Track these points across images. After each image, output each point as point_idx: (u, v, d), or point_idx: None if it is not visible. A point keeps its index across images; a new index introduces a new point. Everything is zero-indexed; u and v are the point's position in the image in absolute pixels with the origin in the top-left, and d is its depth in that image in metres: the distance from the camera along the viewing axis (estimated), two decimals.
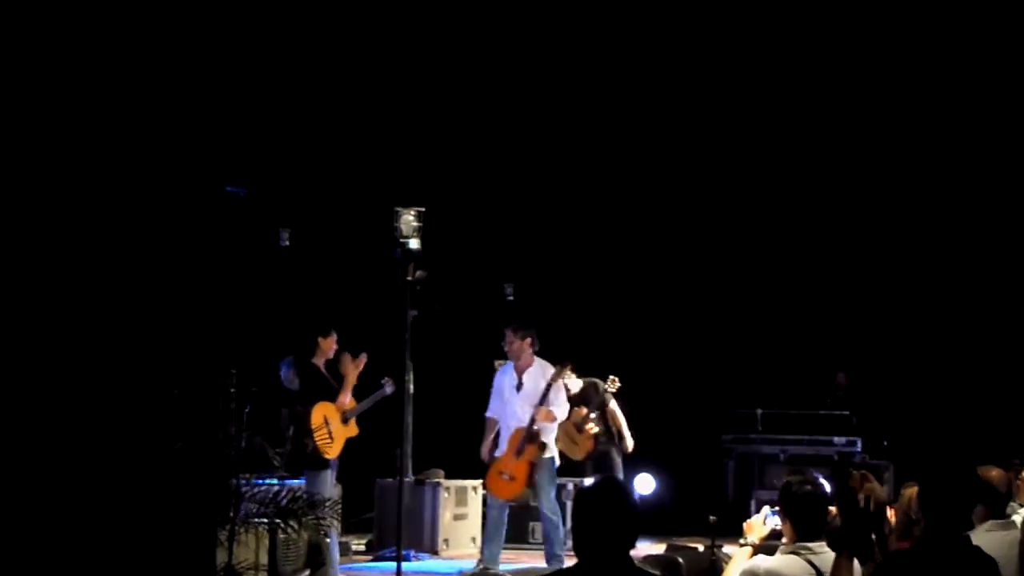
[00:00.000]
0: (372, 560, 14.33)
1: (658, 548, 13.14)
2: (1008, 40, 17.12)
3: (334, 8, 16.93)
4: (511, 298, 16.31)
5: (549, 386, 12.61)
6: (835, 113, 17.86)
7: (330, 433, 12.01)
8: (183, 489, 7.62)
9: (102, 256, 7.75)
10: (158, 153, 8.59)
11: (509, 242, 17.75)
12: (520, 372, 12.72)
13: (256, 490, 8.43)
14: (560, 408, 12.75)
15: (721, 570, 7.66)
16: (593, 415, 15.34)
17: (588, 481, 5.46)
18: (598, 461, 15.38)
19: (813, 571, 6.63)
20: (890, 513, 7.08)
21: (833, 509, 6.46)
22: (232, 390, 9.09)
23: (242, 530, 8.33)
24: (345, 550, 14.04)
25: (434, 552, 14.62)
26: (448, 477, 15.34)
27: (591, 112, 18.12)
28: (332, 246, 16.50)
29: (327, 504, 9.26)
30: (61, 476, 7.04)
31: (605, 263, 18.30)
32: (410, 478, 14.54)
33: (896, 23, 17.40)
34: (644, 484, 15.41)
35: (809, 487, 6.73)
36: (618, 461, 15.40)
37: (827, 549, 6.62)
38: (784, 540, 6.88)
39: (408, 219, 11.60)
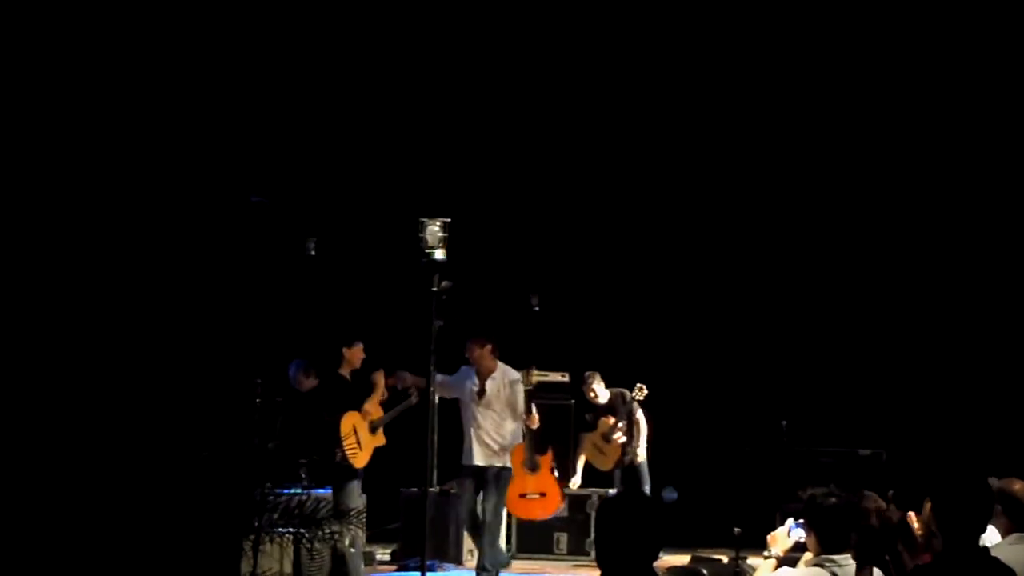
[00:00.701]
0: (397, 570, 14.34)
1: (682, 559, 13.13)
2: (1008, 40, 17.09)
3: (361, 18, 16.96)
4: (537, 308, 16.31)
5: (524, 391, 12.68)
6: (868, 118, 17.84)
7: (358, 442, 12.04)
8: (209, 498, 7.64)
9: (131, 266, 7.79)
10: (185, 163, 8.63)
11: (535, 253, 17.75)
12: (483, 379, 12.76)
13: (281, 499, 8.45)
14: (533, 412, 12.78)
15: None
16: (620, 424, 15.36)
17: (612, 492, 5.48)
18: (626, 473, 15.39)
19: None
20: (914, 521, 7.06)
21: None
22: (258, 400, 9.12)
23: (267, 539, 8.34)
24: (370, 560, 14.06)
25: (459, 562, 14.61)
26: None
27: (620, 124, 18.11)
28: (358, 256, 16.53)
29: (352, 514, 9.27)
30: (89, 484, 7.06)
31: (631, 273, 18.28)
32: (435, 488, 14.55)
33: (899, 21, 17.40)
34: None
35: (834, 499, 6.74)
36: (646, 473, 15.41)
37: (851, 561, 6.62)
38: (809, 552, 6.89)
39: (434, 230, 11.62)
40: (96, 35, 7.88)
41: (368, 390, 12.44)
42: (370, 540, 14.27)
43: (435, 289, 11.32)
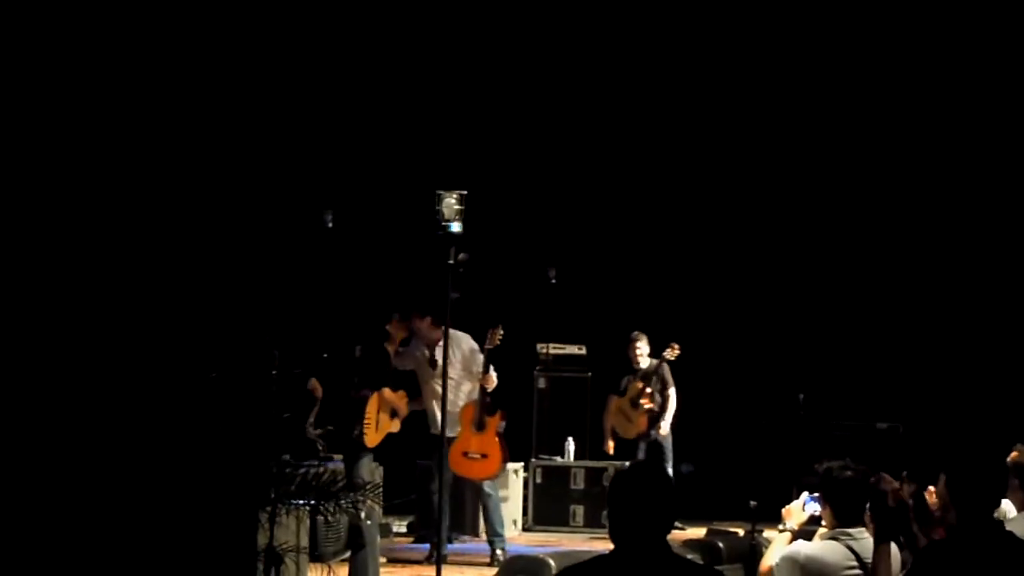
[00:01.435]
0: (413, 542, 14.38)
1: (698, 532, 13.13)
2: (1008, 40, 17.06)
3: None
4: (554, 281, 16.32)
5: (485, 353, 12.67)
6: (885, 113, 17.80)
7: (377, 424, 12.09)
8: (225, 471, 7.65)
9: (149, 239, 7.79)
10: (203, 135, 8.63)
11: (552, 225, 17.75)
12: (431, 350, 12.79)
13: (297, 472, 8.47)
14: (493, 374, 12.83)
15: (761, 555, 7.66)
16: (648, 390, 15.29)
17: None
18: (651, 448, 15.33)
19: (853, 556, 6.65)
20: (930, 496, 7.06)
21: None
22: (274, 372, 9.13)
23: (283, 512, 8.36)
24: (386, 532, 14.10)
25: (475, 534, 14.64)
26: None
27: (639, 96, 18.09)
28: (375, 228, 16.54)
29: (368, 486, 9.29)
30: (102, 457, 7.08)
31: (648, 245, 18.27)
32: None
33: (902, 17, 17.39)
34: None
35: (850, 473, 6.74)
36: (670, 449, 15.33)
37: (867, 535, 6.63)
38: (824, 525, 6.90)
39: (451, 202, 11.61)
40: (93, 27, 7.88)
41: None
42: (386, 512, 14.31)
43: (451, 261, 11.32)
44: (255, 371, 8.69)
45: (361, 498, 8.79)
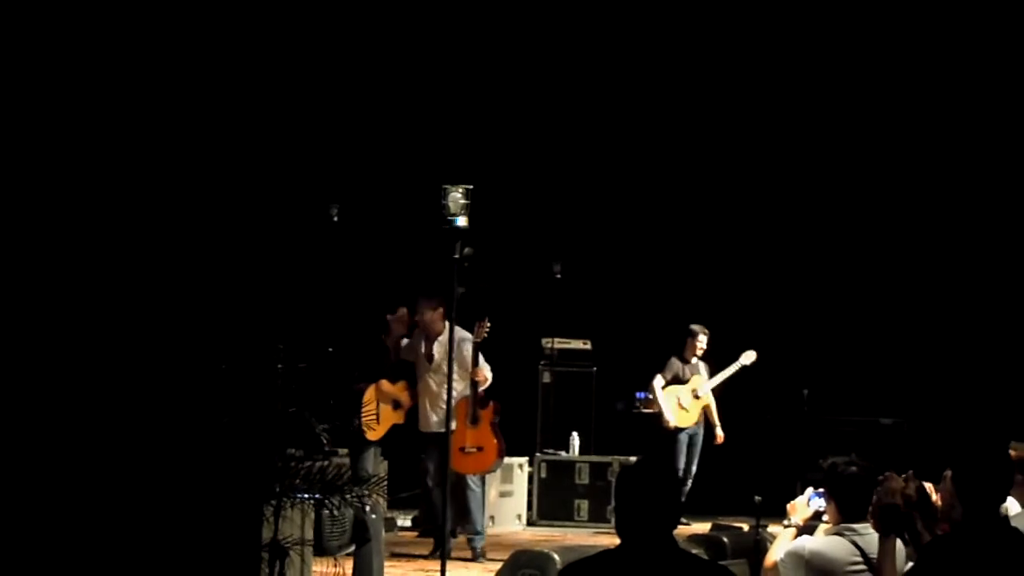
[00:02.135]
0: (418, 536, 14.38)
1: (703, 527, 13.14)
2: (1008, 40, 17.05)
3: None
4: (559, 276, 16.33)
5: (476, 347, 12.65)
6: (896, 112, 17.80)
7: (377, 416, 12.09)
8: (230, 464, 7.66)
9: (154, 232, 7.79)
10: (209, 128, 8.63)
11: (557, 220, 17.75)
12: (431, 343, 12.74)
13: (302, 465, 8.47)
14: (487, 368, 12.76)
15: (765, 550, 7.66)
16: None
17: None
18: (690, 440, 15.50)
19: (857, 552, 6.65)
20: (933, 492, 7.06)
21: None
22: (280, 366, 9.13)
23: (288, 505, 8.37)
24: (391, 526, 14.10)
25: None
26: None
27: (644, 91, 18.08)
28: (381, 223, 16.55)
29: (372, 480, 9.30)
30: (107, 450, 7.09)
31: (653, 241, 18.28)
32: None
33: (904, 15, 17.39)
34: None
35: (854, 468, 6.74)
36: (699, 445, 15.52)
37: (871, 530, 6.63)
38: (828, 520, 6.90)
39: (456, 196, 11.61)
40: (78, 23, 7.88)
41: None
42: (391, 506, 14.31)
43: (457, 256, 11.31)
44: (260, 365, 8.69)
45: (366, 492, 8.80)
